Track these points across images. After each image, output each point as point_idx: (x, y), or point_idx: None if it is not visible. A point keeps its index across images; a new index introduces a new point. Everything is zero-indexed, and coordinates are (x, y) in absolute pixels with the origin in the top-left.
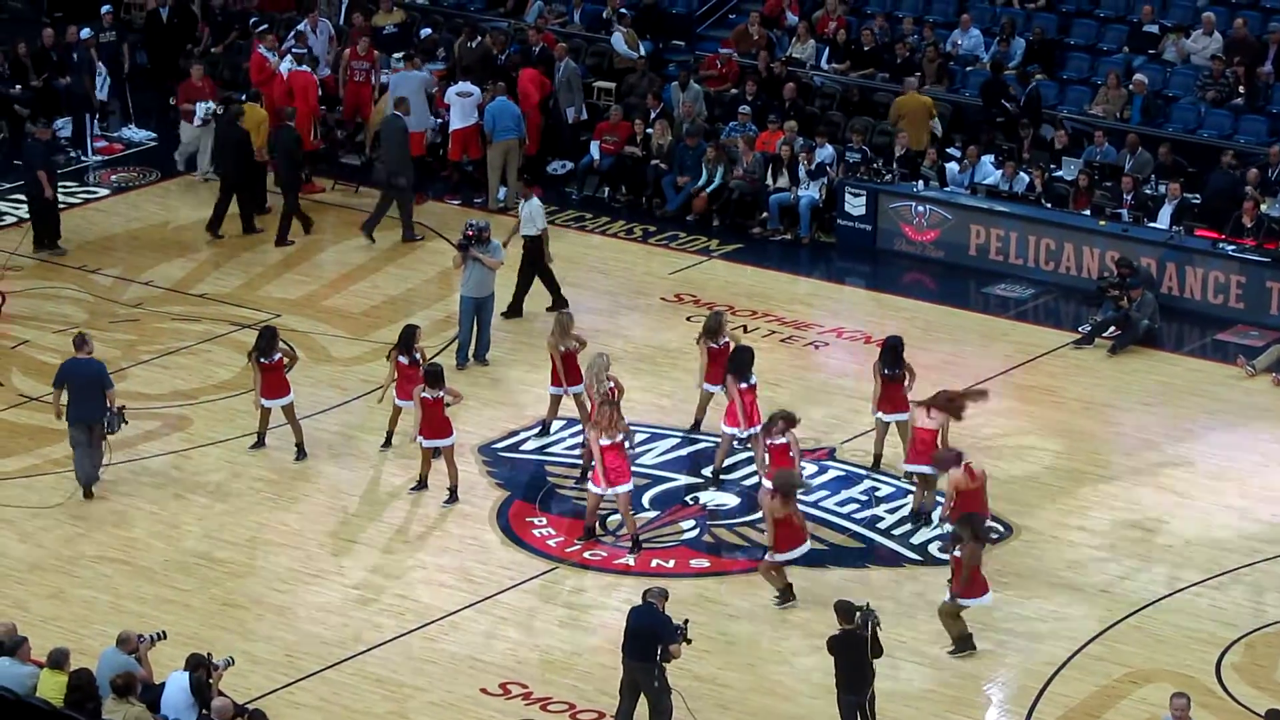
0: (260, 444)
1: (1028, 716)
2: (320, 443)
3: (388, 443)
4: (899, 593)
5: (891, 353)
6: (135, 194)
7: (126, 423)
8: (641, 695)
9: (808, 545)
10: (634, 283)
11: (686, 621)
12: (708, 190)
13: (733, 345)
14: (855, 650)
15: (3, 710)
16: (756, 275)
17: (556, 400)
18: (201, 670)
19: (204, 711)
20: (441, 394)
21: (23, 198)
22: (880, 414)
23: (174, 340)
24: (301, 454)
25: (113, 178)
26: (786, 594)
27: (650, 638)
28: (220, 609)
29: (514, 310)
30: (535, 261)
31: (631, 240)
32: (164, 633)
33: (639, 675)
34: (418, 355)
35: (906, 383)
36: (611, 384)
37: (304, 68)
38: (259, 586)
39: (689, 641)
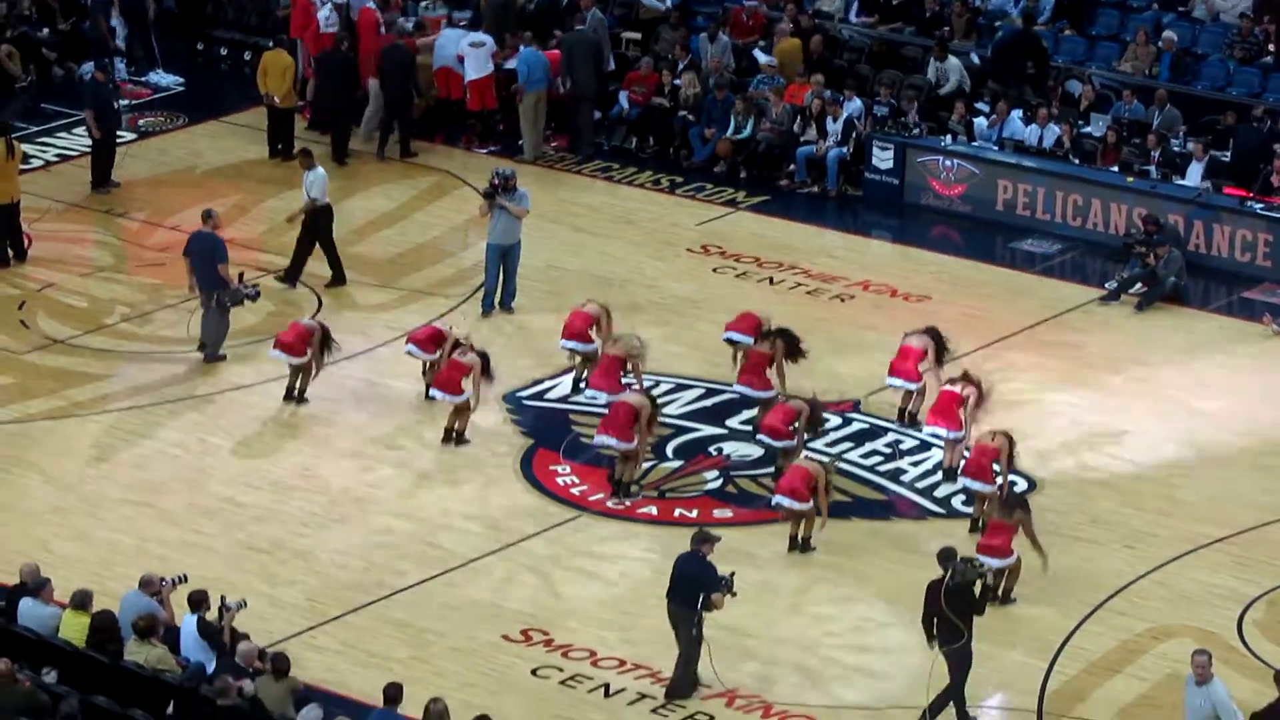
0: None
1: (1049, 669)
2: (345, 389)
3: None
4: (921, 545)
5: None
6: (162, 138)
7: (253, 295)
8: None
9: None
10: (661, 233)
11: (733, 574)
12: (735, 137)
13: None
14: (950, 600)
15: (26, 651)
16: (783, 227)
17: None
18: (205, 606)
19: (224, 654)
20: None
21: (53, 140)
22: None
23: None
24: (300, 399)
25: (140, 122)
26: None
27: (693, 584)
28: (243, 553)
29: (292, 277)
30: (318, 230)
31: (659, 191)
32: (185, 576)
33: (679, 620)
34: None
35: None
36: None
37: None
38: (282, 531)
39: (734, 594)
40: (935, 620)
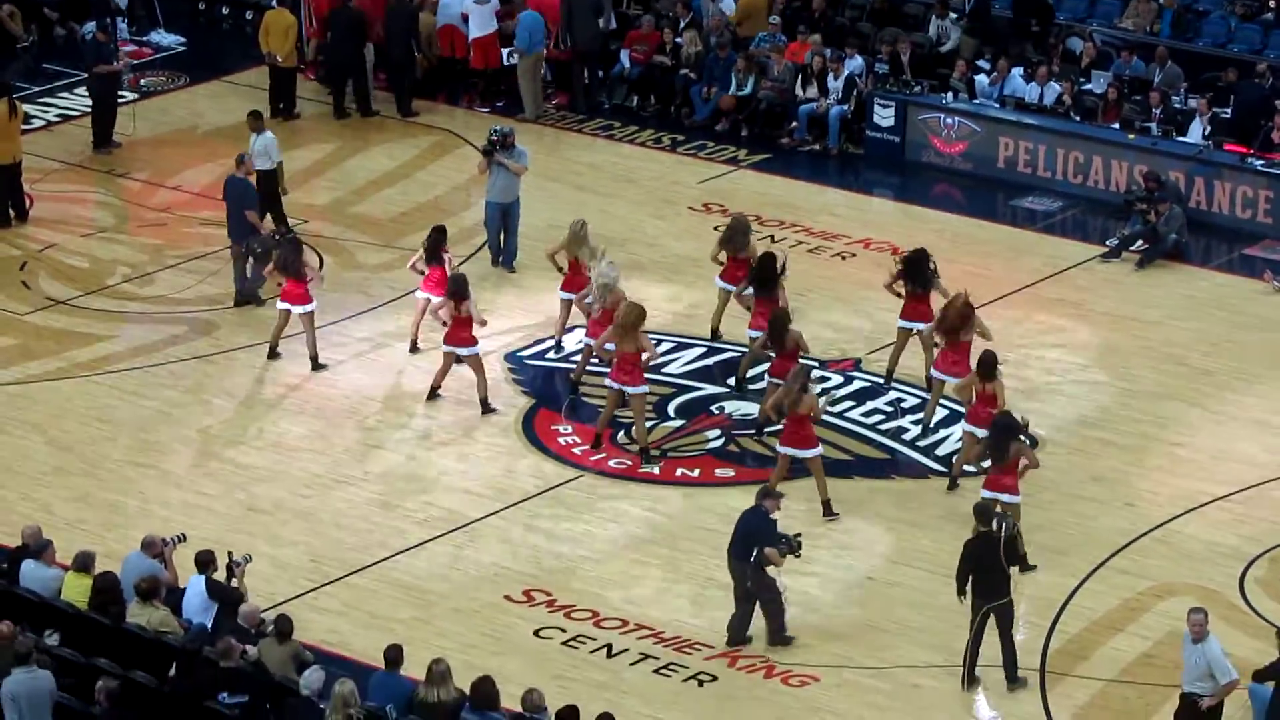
0: (274, 355)
1: (1051, 628)
2: (346, 349)
3: (414, 348)
4: (923, 503)
5: (913, 267)
6: (164, 98)
7: (280, 243)
8: (757, 604)
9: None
10: (662, 192)
11: (798, 535)
12: (738, 94)
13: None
14: (990, 554)
15: (28, 612)
16: (784, 185)
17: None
18: (212, 566)
19: (224, 614)
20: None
21: (54, 100)
22: (901, 322)
23: (201, 245)
24: (317, 365)
25: (141, 82)
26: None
27: (748, 539)
28: (245, 514)
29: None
30: (267, 195)
31: (660, 149)
32: (183, 535)
33: (735, 574)
34: (446, 258)
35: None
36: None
37: None
38: (283, 492)
39: (797, 555)
40: (978, 576)
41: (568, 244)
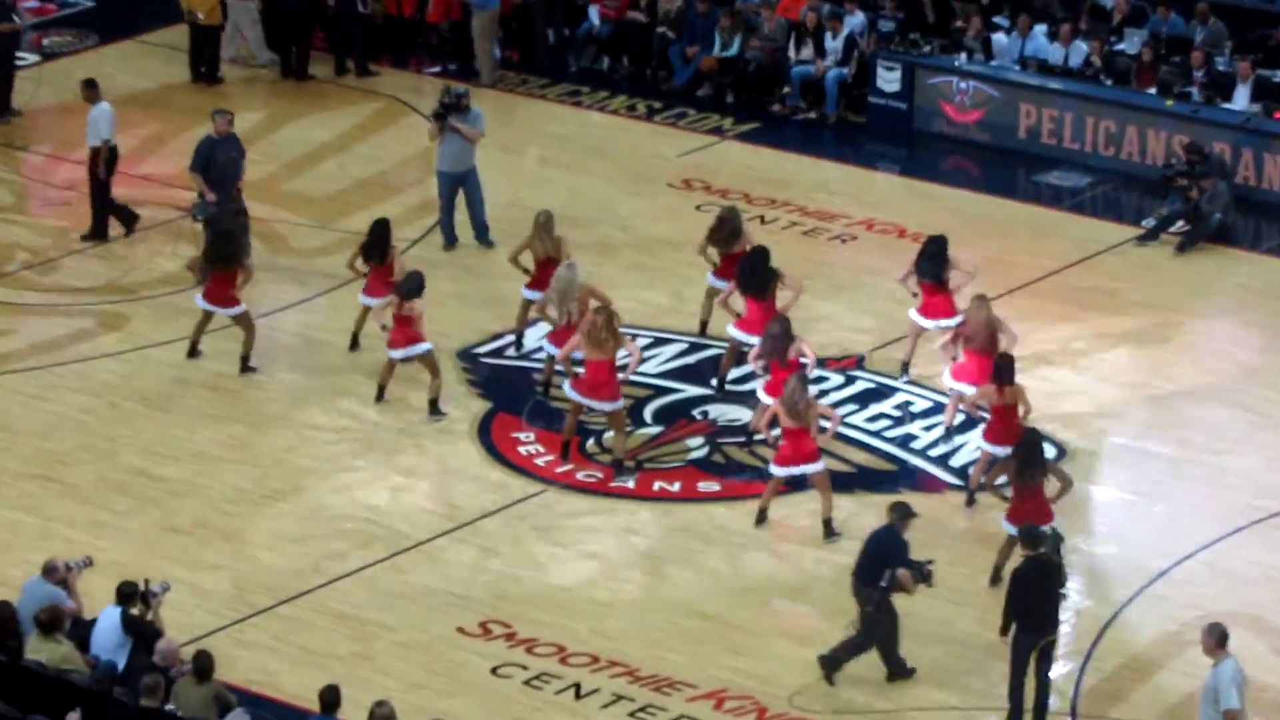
0: (195, 353)
1: (1084, 664)
2: (277, 345)
3: (354, 344)
4: (936, 521)
5: (934, 258)
6: (70, 60)
7: (206, 210)
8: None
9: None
10: (636, 166)
11: (931, 562)
12: (720, 55)
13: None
14: (1047, 580)
15: None
16: (775, 159)
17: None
18: (135, 601)
19: (140, 651)
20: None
21: None
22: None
23: (112, 228)
24: (246, 367)
25: (45, 41)
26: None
27: (878, 560)
28: (160, 534)
29: (97, 234)
30: (105, 173)
31: (634, 118)
32: (89, 559)
33: (858, 599)
34: (393, 254)
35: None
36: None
37: None
38: (205, 508)
39: (929, 584)
40: (1028, 608)
41: (531, 241)
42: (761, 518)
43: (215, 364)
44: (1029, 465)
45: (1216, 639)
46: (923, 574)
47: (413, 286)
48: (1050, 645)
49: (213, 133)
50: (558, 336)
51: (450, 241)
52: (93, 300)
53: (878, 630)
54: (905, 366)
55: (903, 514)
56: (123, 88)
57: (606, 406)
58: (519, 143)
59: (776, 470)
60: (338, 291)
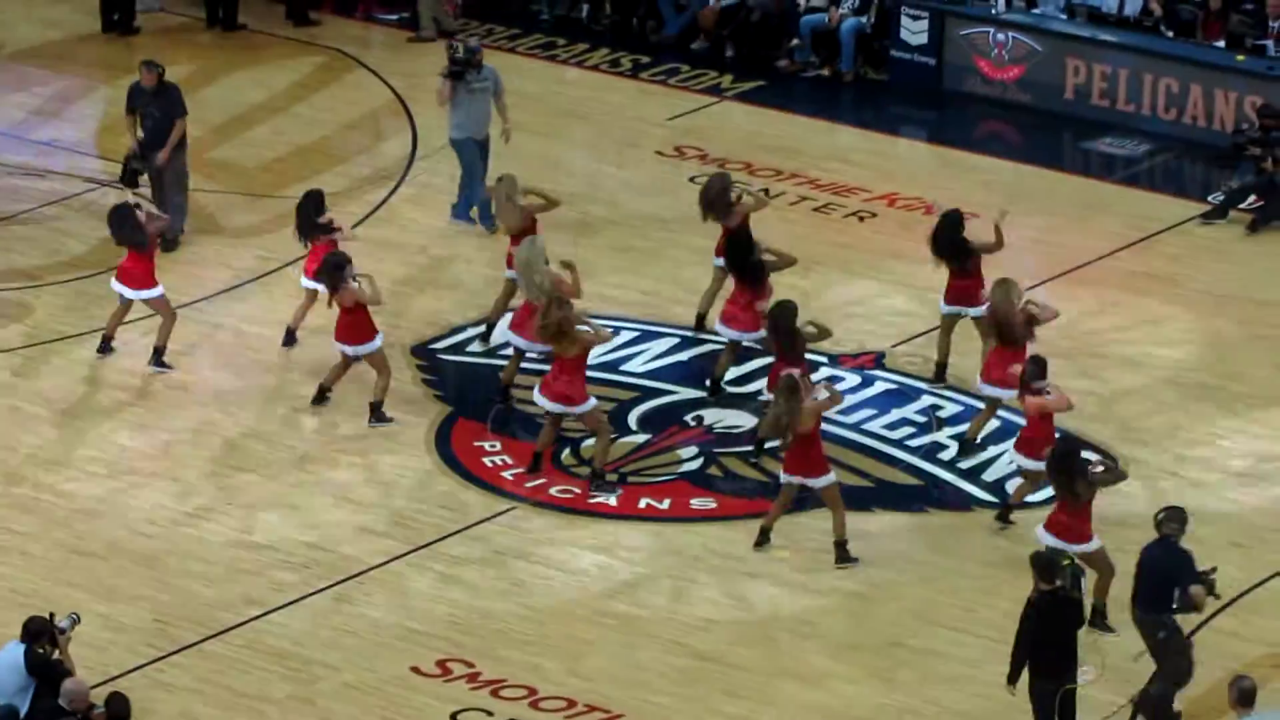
0: (106, 348)
1: (1134, 716)
2: (203, 339)
3: (290, 339)
4: (965, 544)
5: (949, 232)
6: None
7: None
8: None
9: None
10: (621, 131)
11: (1214, 569)
12: (719, 4)
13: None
14: (1063, 618)
15: None
16: (782, 122)
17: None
18: (44, 641)
19: (45, 694)
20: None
21: None
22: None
23: (10, 202)
24: (159, 361)
25: None
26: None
27: (1163, 581)
28: (68, 558)
29: None
30: None
31: (618, 75)
32: None
33: (1143, 631)
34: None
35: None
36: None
37: None
38: (119, 529)
39: (1215, 594)
40: (1043, 650)
41: (499, 211)
42: (764, 538)
43: (130, 361)
44: (1065, 478)
45: (1238, 695)
46: (1209, 585)
47: (329, 272)
48: (1070, 694)
49: (142, 78)
50: (522, 322)
51: (488, 221)
52: None
53: (1175, 661)
54: (941, 370)
55: (1179, 520)
56: (22, 39)
57: (575, 410)
58: None
59: (784, 478)
60: (272, 276)
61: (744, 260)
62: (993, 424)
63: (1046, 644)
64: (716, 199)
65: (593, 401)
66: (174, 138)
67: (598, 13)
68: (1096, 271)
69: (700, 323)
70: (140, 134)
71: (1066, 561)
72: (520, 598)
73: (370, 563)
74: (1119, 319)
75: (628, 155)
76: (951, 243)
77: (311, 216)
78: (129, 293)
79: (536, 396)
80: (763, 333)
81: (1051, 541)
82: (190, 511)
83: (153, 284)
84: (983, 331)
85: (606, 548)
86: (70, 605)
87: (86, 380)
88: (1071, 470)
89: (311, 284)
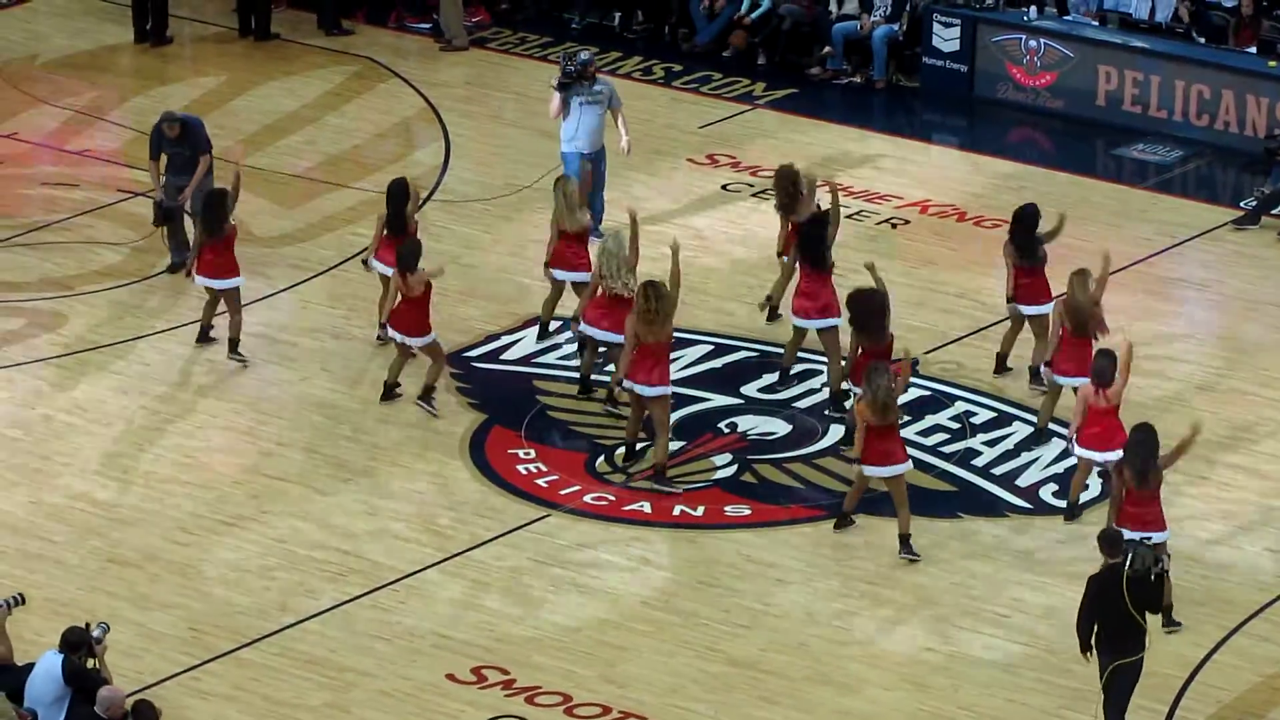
0: (206, 338)
1: (1170, 713)
2: (239, 348)
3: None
4: (1000, 551)
5: (1023, 227)
6: None
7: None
8: None
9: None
10: (652, 139)
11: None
12: (751, 18)
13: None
14: (1122, 595)
15: None
16: (814, 131)
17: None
18: (83, 652)
19: (80, 703)
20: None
21: None
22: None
23: (45, 212)
24: (236, 352)
25: None
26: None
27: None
28: (103, 566)
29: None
30: None
31: (650, 83)
32: (21, 596)
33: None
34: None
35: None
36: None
37: None
38: (155, 538)
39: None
40: (1105, 624)
41: (558, 214)
42: (845, 521)
43: (163, 370)
44: (1147, 464)
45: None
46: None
47: (403, 256)
48: (1127, 672)
49: (164, 130)
50: (598, 311)
51: (596, 232)
52: (22, 297)
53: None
54: (1002, 360)
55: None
56: (55, 50)
57: (651, 392)
58: (512, 112)
59: (870, 471)
60: (305, 286)
61: (818, 251)
62: (1025, 431)
63: (1103, 617)
64: (785, 190)
65: (669, 388)
66: (199, 173)
67: (629, 21)
68: (1128, 277)
69: (773, 312)
70: (164, 176)
71: (1148, 544)
72: (555, 605)
73: (405, 569)
74: (1151, 325)
75: (659, 163)
76: (1031, 239)
77: (403, 205)
78: (215, 284)
79: (635, 386)
80: (828, 321)
81: (1132, 534)
82: (225, 519)
83: (235, 274)
84: (1039, 331)
85: (641, 555)
86: (105, 614)
87: (120, 390)
88: (1150, 455)
89: (386, 269)
